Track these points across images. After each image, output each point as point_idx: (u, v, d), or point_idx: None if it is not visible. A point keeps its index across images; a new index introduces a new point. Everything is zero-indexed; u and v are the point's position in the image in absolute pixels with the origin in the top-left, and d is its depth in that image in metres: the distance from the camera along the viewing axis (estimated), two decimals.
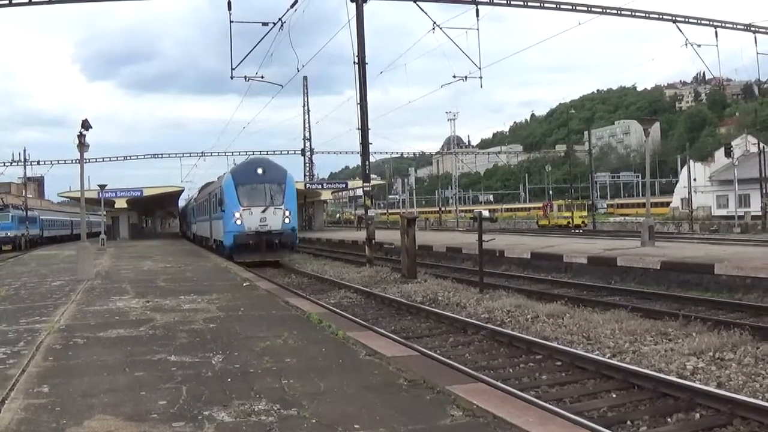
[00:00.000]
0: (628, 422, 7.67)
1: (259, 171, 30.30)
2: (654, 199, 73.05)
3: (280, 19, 25.36)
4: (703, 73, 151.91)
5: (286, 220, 29.90)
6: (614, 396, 8.66)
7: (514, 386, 8.69)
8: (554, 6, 28.31)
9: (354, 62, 24.89)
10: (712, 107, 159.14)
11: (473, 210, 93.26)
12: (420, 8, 26.65)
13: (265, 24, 25.73)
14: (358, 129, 26.22)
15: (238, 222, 29.11)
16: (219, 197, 30.99)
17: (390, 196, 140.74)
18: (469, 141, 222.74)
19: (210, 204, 37.02)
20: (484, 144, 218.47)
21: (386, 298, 17.77)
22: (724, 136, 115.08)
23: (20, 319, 12.57)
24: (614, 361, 9.95)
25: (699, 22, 30.71)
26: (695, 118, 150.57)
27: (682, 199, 76.18)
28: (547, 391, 8.96)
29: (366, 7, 24.93)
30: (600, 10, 28.75)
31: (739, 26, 32.04)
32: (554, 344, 11.25)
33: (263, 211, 29.54)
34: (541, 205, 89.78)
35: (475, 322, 13.62)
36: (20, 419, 6.17)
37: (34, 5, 23.31)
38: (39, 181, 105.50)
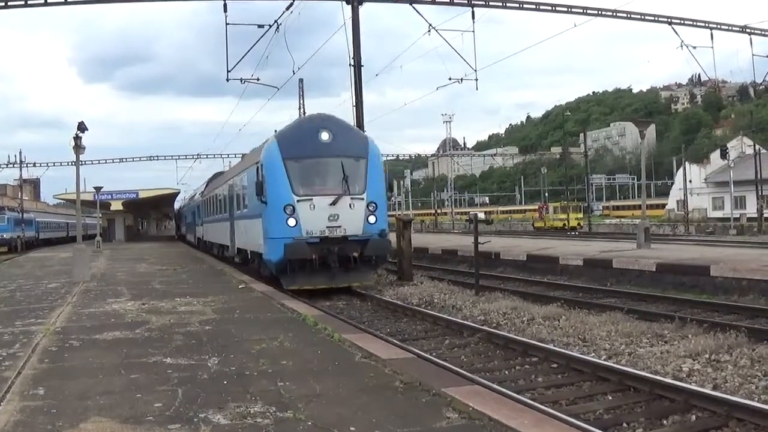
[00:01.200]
0: (624, 424, 7.66)
1: (324, 136, 18.84)
2: (650, 201, 73.14)
3: (276, 21, 25.28)
4: (699, 75, 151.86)
5: (371, 219, 18.75)
6: (610, 398, 8.66)
7: (509, 388, 8.69)
8: (550, 8, 28.36)
9: (350, 64, 24.88)
10: (707, 109, 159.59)
11: (469, 212, 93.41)
12: (416, 10, 26.66)
13: (260, 26, 25.64)
14: None
15: (291, 222, 18.08)
16: (256, 180, 19.20)
17: None
18: (464, 143, 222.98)
19: (233, 195, 25.45)
20: (480, 146, 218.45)
21: (382, 301, 17.74)
22: (719, 138, 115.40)
23: (16, 321, 12.57)
24: (610, 363, 9.95)
25: (694, 23, 30.77)
26: (691, 120, 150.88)
27: (677, 201, 76.36)
28: (543, 393, 8.96)
29: (362, 9, 24.92)
30: (595, 12, 28.80)
31: (734, 28, 32.12)
32: (550, 346, 11.25)
33: (333, 204, 18.32)
34: (536, 207, 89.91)
35: (470, 324, 13.61)
36: (16, 421, 6.17)
37: (30, 7, 23.29)
38: (35, 183, 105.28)
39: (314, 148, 18.78)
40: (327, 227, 18.24)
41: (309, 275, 18.21)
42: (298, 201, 18.18)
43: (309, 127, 19.52)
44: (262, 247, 19.45)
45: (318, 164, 19.02)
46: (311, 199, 18.26)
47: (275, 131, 20.76)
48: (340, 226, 18.34)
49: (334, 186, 18.65)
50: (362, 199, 18.68)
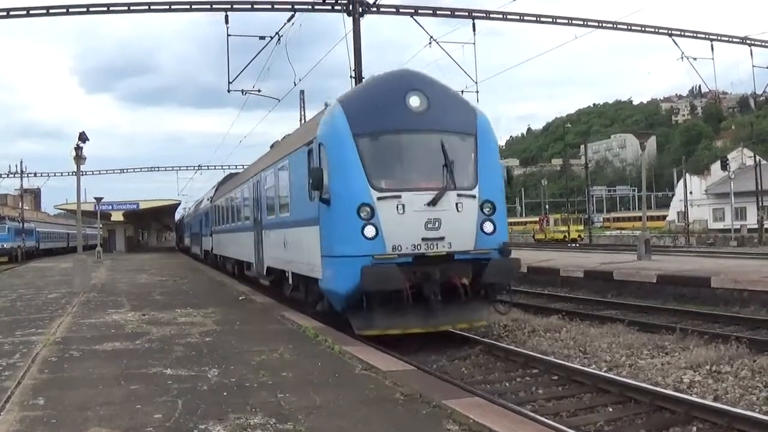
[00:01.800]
0: None
1: (414, 101, 12.78)
2: (650, 212, 73.21)
3: (277, 33, 25.33)
4: (699, 87, 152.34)
5: (487, 227, 12.62)
6: (611, 410, 8.65)
7: (510, 400, 8.68)
8: (550, 20, 28.39)
9: (351, 76, 24.93)
10: (708, 120, 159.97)
11: None
12: (417, 22, 26.73)
13: (262, 38, 25.66)
14: None
15: (370, 231, 12.00)
16: (310, 169, 13.27)
17: None
18: None
19: (261, 196, 19.16)
20: None
21: None
22: (720, 150, 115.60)
23: (16, 331, 12.57)
24: (611, 375, 9.95)
25: (695, 35, 30.82)
26: (691, 132, 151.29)
27: (678, 213, 76.40)
28: (544, 405, 8.95)
29: (363, 21, 25.01)
30: (596, 24, 28.85)
31: (734, 39, 32.14)
32: (551, 358, 11.24)
33: (432, 204, 12.22)
34: (537, 219, 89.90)
35: (471, 336, 13.58)
36: (15, 431, 6.17)
37: (31, 17, 23.38)
38: (36, 193, 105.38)
39: (400, 119, 12.64)
40: (423, 240, 12.05)
41: (395, 313, 11.92)
42: (378, 199, 11.97)
43: (391, 87, 13.05)
44: (317, 270, 13.00)
45: (407, 143, 12.83)
46: (399, 197, 12.05)
47: (326, 102, 14.25)
48: (442, 238, 12.16)
49: (432, 176, 12.49)
50: (473, 196, 12.50)
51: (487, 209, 12.59)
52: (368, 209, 11.90)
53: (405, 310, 11.87)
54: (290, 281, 15.87)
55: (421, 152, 12.79)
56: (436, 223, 12.13)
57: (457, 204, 12.34)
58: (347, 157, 12.27)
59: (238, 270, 25.26)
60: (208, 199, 37.51)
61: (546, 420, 7.45)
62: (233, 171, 45.55)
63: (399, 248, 11.94)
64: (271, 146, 21.60)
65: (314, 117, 14.97)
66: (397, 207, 12.01)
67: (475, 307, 12.76)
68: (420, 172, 12.68)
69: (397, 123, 12.63)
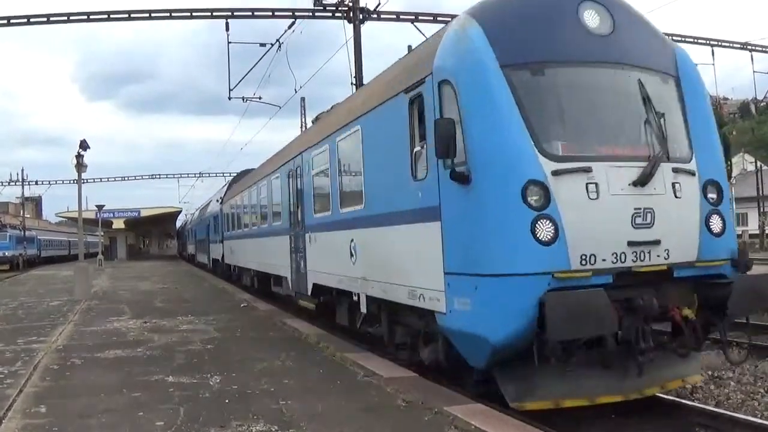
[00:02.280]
0: None
1: (590, 18, 7.75)
2: None
3: (277, 40, 25.38)
4: None
5: (714, 224, 7.70)
6: (612, 416, 8.62)
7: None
8: None
9: (352, 83, 24.97)
10: None
11: None
12: (417, 29, 26.77)
13: (262, 45, 25.71)
14: None
15: (546, 230, 6.83)
16: (429, 122, 7.85)
17: None
18: None
19: (302, 184, 14.22)
20: None
21: None
22: None
23: (18, 338, 12.57)
24: None
25: (695, 41, 30.83)
26: None
27: None
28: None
29: (363, 28, 25.04)
30: None
31: (735, 45, 32.20)
32: None
33: (637, 183, 7.24)
34: None
35: None
36: None
37: (32, 24, 23.44)
38: (37, 201, 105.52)
39: (575, 44, 7.81)
40: (629, 244, 7.24)
41: (581, 374, 7.31)
42: (554, 174, 7.12)
43: None
44: (432, 296, 8.02)
45: (588, 82, 7.87)
46: (589, 170, 7.22)
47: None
48: (657, 242, 7.39)
49: (632, 137, 7.86)
50: (692, 173, 7.87)
51: (712, 195, 7.90)
52: (539, 191, 7.02)
53: (593, 369, 7.34)
54: (363, 308, 10.52)
55: (610, 97, 7.97)
56: (648, 216, 7.33)
57: (674, 185, 7.62)
58: (498, 101, 7.32)
59: (260, 284, 21.04)
60: (217, 200, 32.83)
61: (548, 428, 7.43)
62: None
63: (591, 259, 7.08)
64: (314, 120, 16.47)
65: (416, 49, 10.09)
66: (587, 188, 7.17)
67: (688, 356, 8.02)
68: (613, 129, 7.84)
69: (572, 49, 7.77)
